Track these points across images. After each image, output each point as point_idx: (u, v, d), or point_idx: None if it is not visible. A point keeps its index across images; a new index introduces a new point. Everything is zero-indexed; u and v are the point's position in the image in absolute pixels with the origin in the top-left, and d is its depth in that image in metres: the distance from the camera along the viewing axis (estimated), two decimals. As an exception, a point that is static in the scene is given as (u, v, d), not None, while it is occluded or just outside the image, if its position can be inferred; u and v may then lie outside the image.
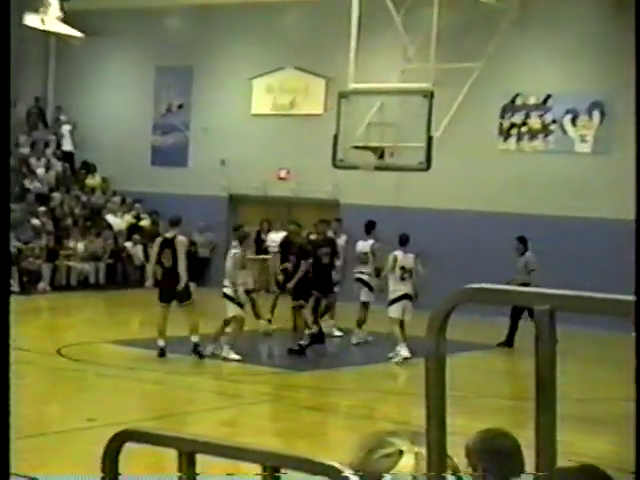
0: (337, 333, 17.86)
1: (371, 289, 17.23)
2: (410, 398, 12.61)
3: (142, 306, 18.77)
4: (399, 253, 15.87)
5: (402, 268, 15.75)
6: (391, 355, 15.70)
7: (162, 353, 14.98)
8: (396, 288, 15.73)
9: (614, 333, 14.59)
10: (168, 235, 15.49)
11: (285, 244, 17.95)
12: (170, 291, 15.15)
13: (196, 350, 14.99)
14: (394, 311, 15.73)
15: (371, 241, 17.55)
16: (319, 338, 16.62)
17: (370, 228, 17.80)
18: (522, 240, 18.13)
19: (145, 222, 26.20)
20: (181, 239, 15.40)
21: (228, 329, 15.26)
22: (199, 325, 15.07)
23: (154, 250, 15.77)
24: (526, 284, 15.86)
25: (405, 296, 15.67)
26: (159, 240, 15.65)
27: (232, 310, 15.12)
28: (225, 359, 14.88)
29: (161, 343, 15.00)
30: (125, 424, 1.28)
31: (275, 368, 14.93)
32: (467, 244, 19.22)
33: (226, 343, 15.10)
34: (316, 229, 17.90)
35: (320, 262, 16.79)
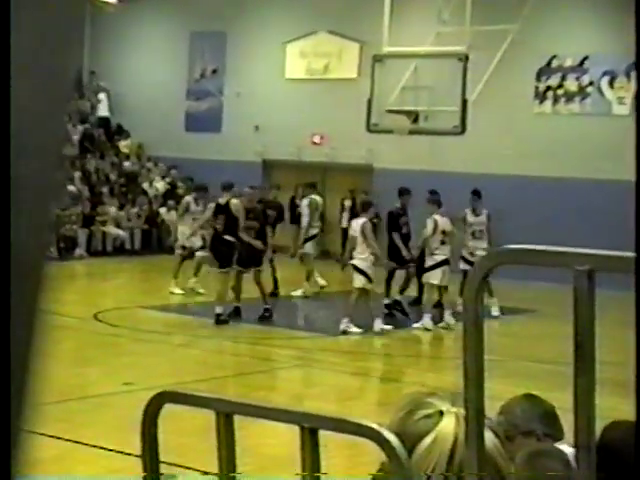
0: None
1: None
2: (448, 362, 12.61)
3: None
4: (438, 217, 15.69)
5: (443, 232, 15.63)
6: (442, 323, 15.39)
7: (218, 320, 14.83)
8: (437, 253, 15.53)
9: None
10: (221, 201, 15.35)
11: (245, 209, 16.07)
12: (224, 257, 15.06)
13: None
14: (435, 277, 15.53)
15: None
16: (402, 311, 16.30)
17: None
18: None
19: (180, 190, 26.26)
20: (235, 202, 15.19)
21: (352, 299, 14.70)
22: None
23: (205, 215, 15.77)
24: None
25: (445, 261, 15.53)
26: (212, 206, 15.58)
27: (359, 281, 14.64)
28: (345, 332, 14.52)
29: (219, 310, 14.84)
30: (161, 388, 1.29)
31: (308, 332, 14.96)
32: (501, 208, 19.09)
33: (345, 315, 14.68)
34: (400, 199, 16.91)
35: (401, 232, 16.51)
